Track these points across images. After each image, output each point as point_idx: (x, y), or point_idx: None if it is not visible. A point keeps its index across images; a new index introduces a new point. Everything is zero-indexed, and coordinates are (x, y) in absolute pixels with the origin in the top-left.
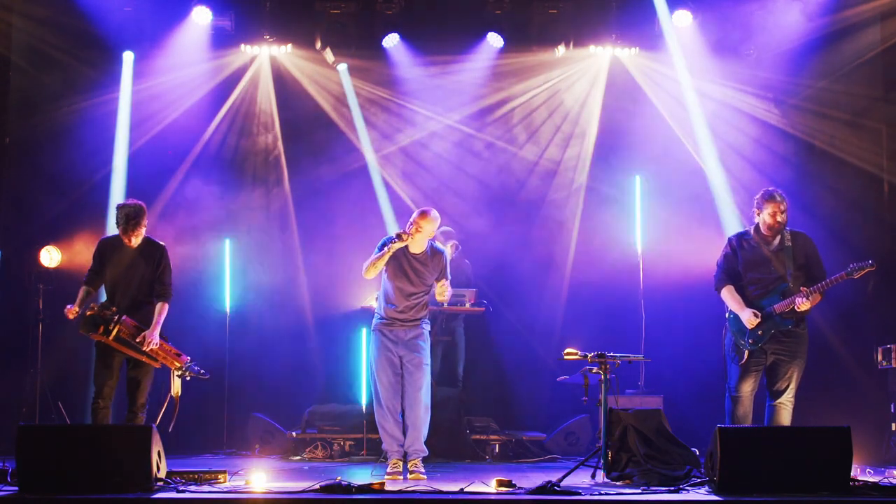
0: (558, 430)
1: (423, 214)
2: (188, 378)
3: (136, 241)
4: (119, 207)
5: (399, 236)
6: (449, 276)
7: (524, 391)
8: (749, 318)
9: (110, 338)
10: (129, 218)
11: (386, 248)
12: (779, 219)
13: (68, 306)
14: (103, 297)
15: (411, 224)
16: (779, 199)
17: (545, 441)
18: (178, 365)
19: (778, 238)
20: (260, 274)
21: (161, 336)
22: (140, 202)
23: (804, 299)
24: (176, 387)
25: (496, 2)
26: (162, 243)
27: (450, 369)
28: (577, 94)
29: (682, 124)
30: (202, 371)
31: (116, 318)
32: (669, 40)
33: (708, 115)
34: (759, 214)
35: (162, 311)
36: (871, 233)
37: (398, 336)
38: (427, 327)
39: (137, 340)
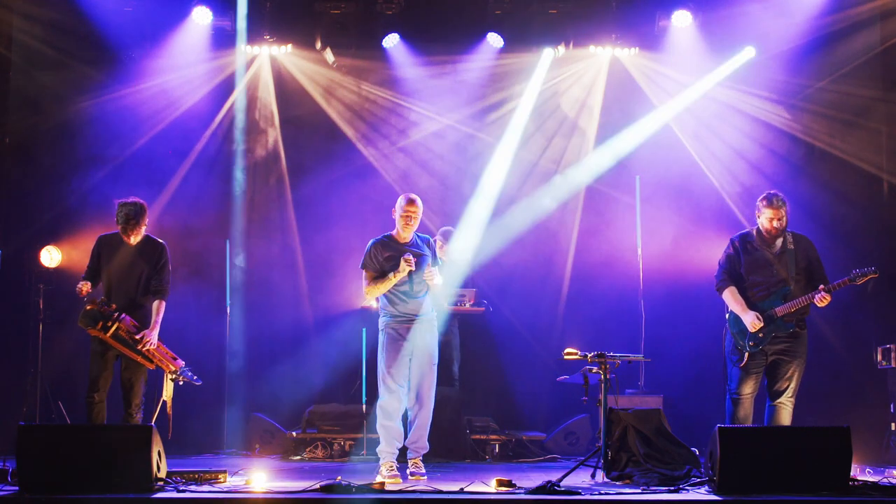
0: (558, 430)
1: (412, 201)
2: (181, 383)
3: (135, 239)
4: (120, 205)
5: (406, 261)
6: (439, 264)
7: (524, 391)
8: (752, 321)
9: (108, 334)
10: (130, 218)
11: (392, 276)
12: (776, 224)
13: (79, 285)
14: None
15: (402, 216)
16: (777, 203)
17: (545, 441)
18: (173, 369)
19: (780, 241)
20: (259, 274)
21: (158, 338)
22: (141, 201)
23: (825, 294)
24: (168, 391)
25: (496, 2)
26: (162, 241)
27: (445, 368)
28: (577, 94)
29: (682, 124)
30: (195, 377)
31: (116, 315)
32: (669, 40)
33: (708, 116)
34: (758, 218)
35: (160, 309)
36: (871, 233)
37: (412, 334)
38: (437, 324)
39: (137, 338)
